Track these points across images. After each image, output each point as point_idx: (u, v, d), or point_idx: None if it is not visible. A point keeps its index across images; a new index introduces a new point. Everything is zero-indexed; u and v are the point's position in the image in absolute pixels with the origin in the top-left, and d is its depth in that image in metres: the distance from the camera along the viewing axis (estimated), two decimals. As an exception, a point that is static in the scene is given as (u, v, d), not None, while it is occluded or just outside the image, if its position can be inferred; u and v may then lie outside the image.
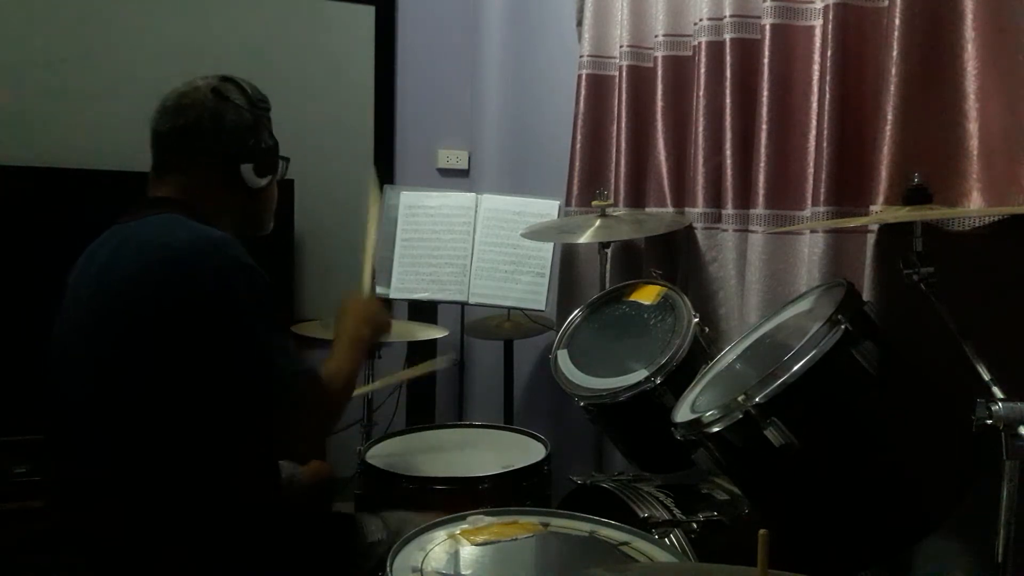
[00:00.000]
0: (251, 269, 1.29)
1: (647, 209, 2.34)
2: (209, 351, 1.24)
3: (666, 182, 2.27)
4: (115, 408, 1.25)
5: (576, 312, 2.01)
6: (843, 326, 1.21)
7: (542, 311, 2.56)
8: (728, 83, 2.02)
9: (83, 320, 1.32)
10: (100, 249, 1.37)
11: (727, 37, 2.02)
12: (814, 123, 1.82)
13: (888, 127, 1.54)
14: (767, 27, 1.87)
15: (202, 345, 1.24)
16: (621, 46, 2.38)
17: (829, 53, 1.71)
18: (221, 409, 1.26)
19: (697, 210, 2.13)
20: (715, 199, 2.09)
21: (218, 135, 1.39)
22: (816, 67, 1.82)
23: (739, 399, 1.23)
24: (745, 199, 1.98)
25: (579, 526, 1.40)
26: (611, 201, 2.27)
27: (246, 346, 1.26)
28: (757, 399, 1.21)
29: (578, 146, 2.50)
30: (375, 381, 2.25)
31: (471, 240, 2.60)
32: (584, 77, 2.50)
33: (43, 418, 1.37)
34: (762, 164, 1.88)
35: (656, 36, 2.27)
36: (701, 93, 2.10)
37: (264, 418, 1.30)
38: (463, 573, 1.23)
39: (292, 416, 1.31)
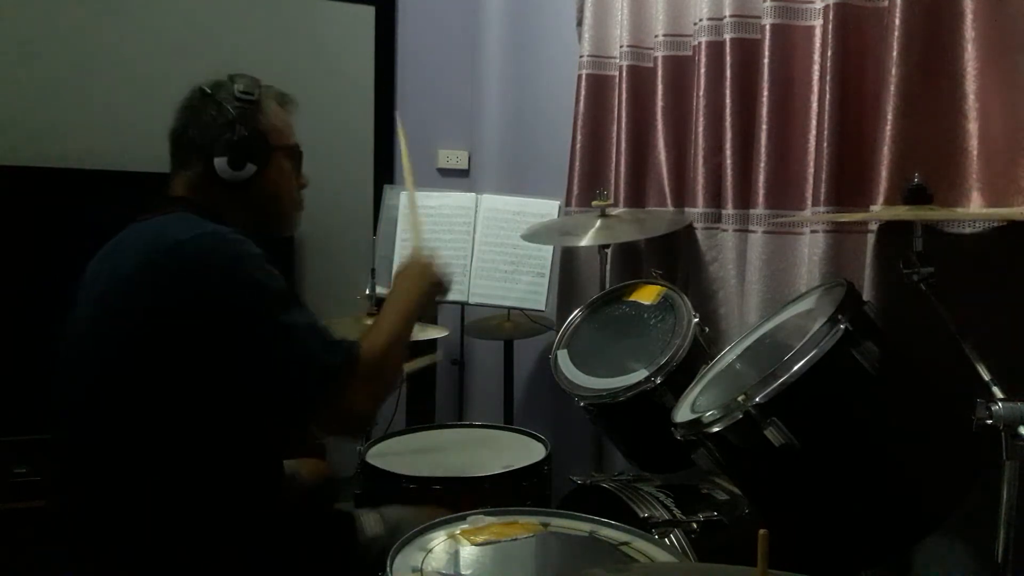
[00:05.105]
0: (261, 259, 1.30)
1: (647, 209, 2.34)
2: (227, 345, 1.25)
3: (666, 182, 2.27)
4: (132, 405, 1.25)
5: (576, 312, 2.01)
6: (843, 326, 1.21)
7: (542, 311, 2.55)
8: (728, 83, 2.02)
9: (94, 318, 1.32)
10: (113, 249, 1.38)
11: (727, 37, 2.02)
12: (814, 123, 1.82)
13: (888, 127, 1.54)
14: (767, 27, 1.88)
15: (218, 340, 1.24)
16: (621, 46, 2.38)
17: (829, 53, 1.71)
18: (247, 403, 1.28)
19: (697, 210, 2.13)
20: (715, 199, 2.09)
21: (197, 133, 1.42)
22: (816, 67, 1.82)
23: (739, 399, 1.23)
24: (745, 199, 1.98)
25: (579, 526, 1.39)
26: (611, 201, 2.27)
27: (268, 336, 1.27)
28: (757, 399, 1.21)
29: (578, 146, 2.51)
30: None
31: (471, 240, 2.60)
32: (584, 77, 2.50)
33: (51, 416, 1.37)
34: (762, 164, 1.89)
35: (656, 36, 2.27)
36: (701, 93, 2.10)
37: (303, 404, 1.31)
38: (463, 573, 1.23)
39: (341, 388, 1.30)
